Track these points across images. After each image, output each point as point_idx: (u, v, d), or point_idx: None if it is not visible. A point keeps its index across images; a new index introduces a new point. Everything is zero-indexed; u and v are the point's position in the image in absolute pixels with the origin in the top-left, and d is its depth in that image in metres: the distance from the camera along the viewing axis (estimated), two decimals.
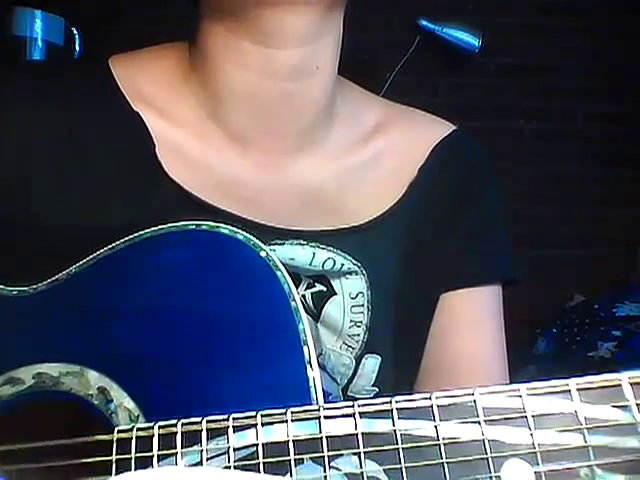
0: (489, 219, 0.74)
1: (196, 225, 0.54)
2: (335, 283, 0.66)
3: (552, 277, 2.22)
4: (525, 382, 0.43)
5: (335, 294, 0.66)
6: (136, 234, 0.54)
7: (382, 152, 0.70)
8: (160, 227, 0.54)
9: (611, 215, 2.34)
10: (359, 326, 0.66)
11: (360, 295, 0.66)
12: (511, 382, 0.43)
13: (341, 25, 0.65)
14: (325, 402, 0.47)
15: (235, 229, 0.54)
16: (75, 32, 1.94)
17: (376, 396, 0.67)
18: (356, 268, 0.66)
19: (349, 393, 0.66)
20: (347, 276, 0.66)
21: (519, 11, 2.37)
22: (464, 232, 0.72)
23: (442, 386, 0.69)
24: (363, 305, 0.66)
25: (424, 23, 2.30)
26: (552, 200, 2.34)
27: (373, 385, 0.67)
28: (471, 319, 0.71)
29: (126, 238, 0.55)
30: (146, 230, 0.54)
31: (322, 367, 0.64)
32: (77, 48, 1.93)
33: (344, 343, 0.66)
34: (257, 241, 0.53)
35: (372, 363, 0.67)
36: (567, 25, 2.38)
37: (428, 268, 0.70)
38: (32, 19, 1.85)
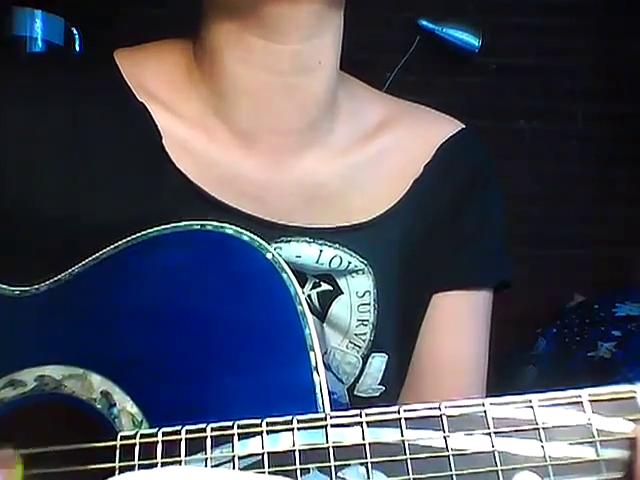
0: (487, 223, 0.74)
1: (201, 225, 0.54)
2: (341, 282, 0.66)
3: (552, 277, 2.22)
4: (534, 390, 0.42)
5: (341, 293, 0.66)
6: (140, 234, 0.54)
7: (387, 149, 0.70)
8: (164, 227, 0.54)
9: (611, 215, 2.33)
10: (366, 325, 0.66)
11: (367, 293, 0.66)
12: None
13: (342, 21, 0.65)
14: (334, 407, 0.47)
15: (240, 230, 0.53)
16: (75, 32, 1.94)
17: (382, 394, 0.67)
18: (363, 266, 0.66)
19: (355, 392, 0.66)
20: (353, 274, 0.66)
21: (519, 11, 2.36)
22: (460, 234, 0.72)
23: (424, 386, 0.70)
24: (370, 303, 0.66)
25: (424, 23, 2.29)
26: (552, 200, 2.34)
27: (380, 384, 0.67)
28: (455, 321, 0.71)
29: (129, 238, 0.54)
30: (150, 230, 0.54)
31: (327, 367, 0.64)
32: (77, 48, 1.93)
33: (350, 342, 0.66)
34: (263, 242, 0.53)
35: (379, 361, 0.67)
36: (567, 25, 2.37)
37: (426, 267, 0.70)
38: (32, 19, 1.85)
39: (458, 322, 0.71)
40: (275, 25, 0.60)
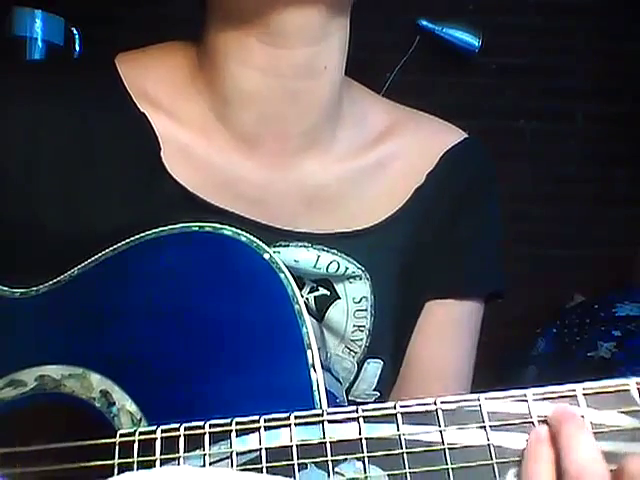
0: (482, 234, 0.73)
1: (199, 227, 0.54)
2: (339, 287, 0.66)
3: (552, 277, 2.22)
4: (530, 386, 0.42)
5: (339, 298, 0.66)
6: (138, 235, 0.54)
7: (390, 156, 0.70)
8: (163, 228, 0.54)
9: (611, 215, 2.33)
10: (362, 330, 0.66)
11: (364, 299, 0.66)
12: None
13: (347, 26, 0.65)
14: (332, 406, 0.47)
15: (238, 231, 0.54)
16: (75, 32, 1.93)
17: (377, 400, 0.67)
18: (360, 272, 0.66)
19: (350, 397, 0.67)
20: (351, 280, 0.66)
21: (519, 11, 2.36)
22: (455, 243, 0.72)
23: (412, 390, 0.70)
24: (366, 310, 0.66)
25: (424, 23, 2.29)
26: (552, 200, 2.34)
27: (374, 389, 0.67)
28: (444, 328, 0.71)
29: (128, 240, 0.55)
30: (149, 232, 0.54)
31: (328, 370, 0.64)
32: (77, 48, 1.93)
33: (346, 347, 0.66)
34: (260, 243, 0.53)
35: (374, 367, 0.67)
36: (567, 25, 2.37)
37: (423, 275, 0.70)
38: (32, 19, 1.85)
39: (447, 329, 0.71)
40: (280, 30, 0.60)
